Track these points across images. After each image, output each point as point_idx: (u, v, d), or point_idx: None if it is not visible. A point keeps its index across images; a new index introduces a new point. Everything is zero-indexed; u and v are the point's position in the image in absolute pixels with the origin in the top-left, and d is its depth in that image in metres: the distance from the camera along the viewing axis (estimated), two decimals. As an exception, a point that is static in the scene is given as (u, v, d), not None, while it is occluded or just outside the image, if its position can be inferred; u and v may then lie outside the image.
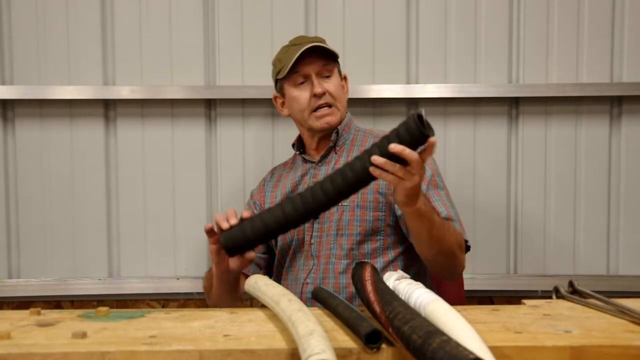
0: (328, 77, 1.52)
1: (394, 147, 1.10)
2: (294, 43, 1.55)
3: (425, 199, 1.27)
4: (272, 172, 1.68)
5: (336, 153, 1.56)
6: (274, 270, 1.61)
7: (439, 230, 1.29)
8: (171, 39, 2.03)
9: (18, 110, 2.05)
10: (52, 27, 2.02)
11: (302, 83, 1.52)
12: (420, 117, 1.08)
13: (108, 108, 2.06)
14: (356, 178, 1.16)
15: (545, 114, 2.05)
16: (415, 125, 1.08)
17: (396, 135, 1.11)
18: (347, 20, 2.04)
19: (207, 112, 2.06)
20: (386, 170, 1.12)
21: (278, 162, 1.77)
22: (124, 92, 2.00)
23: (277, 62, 1.57)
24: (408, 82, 2.04)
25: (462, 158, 2.04)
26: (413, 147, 1.11)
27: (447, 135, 2.04)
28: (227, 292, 1.43)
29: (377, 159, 1.12)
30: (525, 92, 2.02)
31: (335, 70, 1.55)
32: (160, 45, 2.03)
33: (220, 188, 2.07)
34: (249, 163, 2.06)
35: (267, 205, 1.60)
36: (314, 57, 1.50)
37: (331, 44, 1.62)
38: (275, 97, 1.62)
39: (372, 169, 1.13)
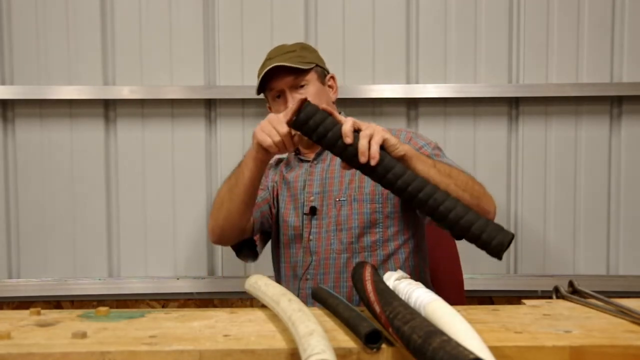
0: (303, 86, 1.51)
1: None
2: (269, 57, 1.55)
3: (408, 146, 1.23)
4: (277, 161, 1.68)
5: None
6: (272, 250, 1.62)
7: (443, 168, 1.25)
8: (171, 39, 2.03)
9: (18, 110, 2.05)
10: (52, 27, 2.02)
11: (278, 97, 1.54)
12: (509, 242, 1.02)
13: (108, 108, 2.06)
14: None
15: (545, 114, 2.05)
16: (499, 248, 1.01)
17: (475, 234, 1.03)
18: (347, 20, 2.03)
19: (207, 112, 2.06)
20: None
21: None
22: (124, 92, 2.00)
23: (257, 75, 1.57)
24: (408, 82, 2.04)
25: (462, 158, 2.04)
26: (479, 245, 1.04)
27: (447, 135, 2.04)
28: (243, 208, 1.42)
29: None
30: (525, 92, 2.02)
31: (312, 77, 1.53)
32: (160, 45, 2.03)
33: (220, 188, 2.06)
34: (249, 163, 2.06)
35: (269, 187, 1.60)
36: (285, 73, 1.49)
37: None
38: (268, 107, 1.62)
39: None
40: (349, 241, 1.47)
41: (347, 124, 1.10)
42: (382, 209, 1.48)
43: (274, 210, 1.58)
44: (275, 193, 1.59)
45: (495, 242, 1.01)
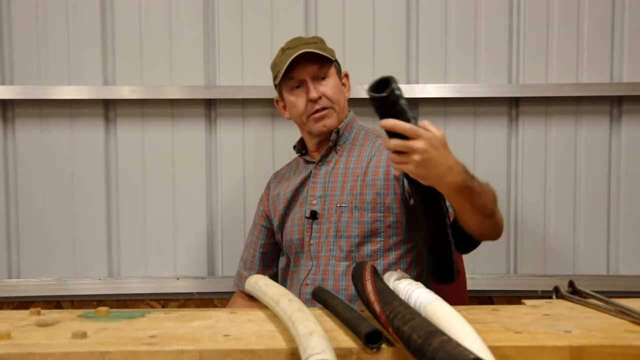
0: (324, 78, 1.51)
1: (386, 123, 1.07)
2: (289, 46, 1.53)
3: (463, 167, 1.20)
4: (276, 174, 1.70)
5: (336, 152, 1.55)
6: (282, 272, 1.63)
7: (482, 197, 1.21)
8: (171, 39, 2.03)
9: (18, 110, 2.05)
10: (52, 27, 2.02)
11: (298, 87, 1.52)
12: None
13: (108, 108, 2.06)
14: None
15: (545, 114, 2.05)
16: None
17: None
18: (347, 20, 2.03)
19: (207, 112, 2.06)
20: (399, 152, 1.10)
21: (278, 162, 1.78)
22: (124, 92, 2.00)
23: (274, 66, 1.56)
24: (408, 82, 2.04)
25: (462, 158, 2.01)
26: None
27: (447, 135, 2.03)
28: None
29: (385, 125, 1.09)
30: (525, 92, 2.02)
31: (332, 70, 1.53)
32: (160, 45, 2.03)
33: (220, 188, 2.07)
34: (249, 163, 2.06)
35: (271, 208, 1.62)
36: (309, 61, 1.48)
37: (331, 44, 1.62)
38: (276, 101, 1.62)
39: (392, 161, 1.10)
40: (348, 249, 1.45)
41: (405, 126, 1.10)
42: (383, 219, 1.44)
43: (276, 233, 1.61)
44: (270, 217, 1.63)
45: (442, 273, 1.11)
